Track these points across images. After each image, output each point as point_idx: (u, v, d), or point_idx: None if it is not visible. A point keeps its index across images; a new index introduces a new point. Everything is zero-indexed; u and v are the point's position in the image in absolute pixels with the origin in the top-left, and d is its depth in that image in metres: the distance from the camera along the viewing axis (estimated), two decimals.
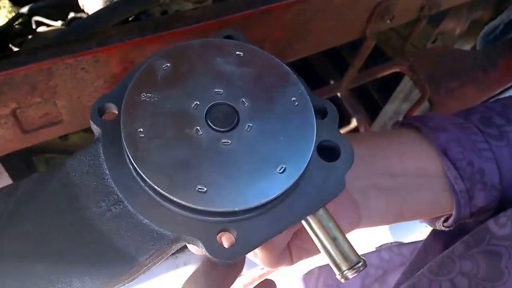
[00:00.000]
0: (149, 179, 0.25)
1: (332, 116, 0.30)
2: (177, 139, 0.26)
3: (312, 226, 0.30)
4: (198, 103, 0.28)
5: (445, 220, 0.39)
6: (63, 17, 0.64)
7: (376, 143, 0.38)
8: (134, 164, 0.25)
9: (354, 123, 0.90)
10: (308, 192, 0.28)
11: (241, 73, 0.29)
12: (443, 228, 0.40)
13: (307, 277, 0.68)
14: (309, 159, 0.27)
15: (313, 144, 0.28)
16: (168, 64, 0.29)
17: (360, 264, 0.29)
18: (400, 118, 0.91)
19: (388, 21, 0.66)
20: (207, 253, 0.26)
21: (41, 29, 0.65)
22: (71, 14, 0.62)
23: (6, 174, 0.51)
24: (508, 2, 0.92)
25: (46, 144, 0.92)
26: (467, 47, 1.13)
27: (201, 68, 0.29)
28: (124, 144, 0.26)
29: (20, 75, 0.41)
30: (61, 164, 0.28)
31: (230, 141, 0.27)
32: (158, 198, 0.26)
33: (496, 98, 0.92)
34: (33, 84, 0.42)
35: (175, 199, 0.25)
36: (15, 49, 0.65)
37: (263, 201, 0.26)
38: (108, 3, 0.55)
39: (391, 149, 0.37)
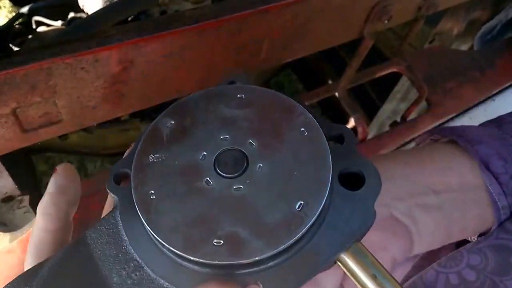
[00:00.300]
0: (164, 241, 0.25)
1: (349, 140, 0.28)
2: (188, 195, 0.26)
3: (347, 265, 0.26)
4: (206, 153, 0.27)
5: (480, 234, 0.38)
6: (63, 17, 0.64)
7: (415, 160, 0.36)
8: (149, 228, 0.25)
9: (352, 122, 0.91)
10: (336, 228, 0.26)
11: (245, 114, 0.29)
12: (475, 240, 0.39)
13: None
14: (328, 189, 0.25)
15: (331, 173, 0.26)
16: (172, 121, 0.29)
17: None
18: (398, 118, 0.91)
19: (386, 21, 0.67)
20: None
21: (41, 29, 0.65)
22: (71, 14, 0.62)
23: (6, 173, 0.51)
24: (505, 3, 0.93)
25: (46, 143, 0.93)
26: (465, 47, 1.13)
27: (205, 118, 0.29)
28: (137, 208, 0.26)
29: (20, 74, 0.41)
30: (83, 237, 0.28)
31: (242, 186, 0.26)
32: (177, 259, 0.26)
33: (493, 98, 0.93)
34: (33, 84, 0.42)
35: (192, 257, 0.24)
36: (15, 48, 0.65)
37: (285, 244, 0.24)
38: (107, 3, 0.55)
39: (432, 165, 0.35)
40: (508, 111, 0.95)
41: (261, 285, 0.25)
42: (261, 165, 0.27)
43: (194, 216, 0.25)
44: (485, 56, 0.94)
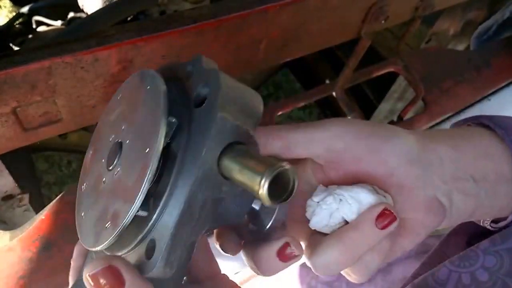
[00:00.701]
0: (89, 248, 0.28)
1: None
2: (96, 201, 0.29)
3: (229, 167, 0.26)
4: (103, 160, 0.30)
5: (495, 221, 0.39)
6: (63, 17, 0.65)
7: (462, 145, 0.36)
8: (84, 244, 0.29)
9: None
10: (197, 144, 0.26)
11: (120, 109, 0.31)
12: (490, 228, 0.40)
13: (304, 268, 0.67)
14: (163, 117, 0.26)
15: (163, 103, 0.26)
16: (91, 150, 0.33)
17: (278, 164, 0.24)
18: (395, 118, 0.92)
19: (383, 22, 0.67)
20: (143, 273, 0.25)
21: (41, 28, 0.65)
22: (71, 14, 0.63)
23: (6, 172, 0.52)
24: (501, 3, 0.93)
25: (45, 142, 0.93)
26: (461, 47, 1.14)
27: (103, 131, 0.33)
28: (78, 233, 0.30)
29: (20, 74, 0.41)
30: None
31: (120, 168, 0.28)
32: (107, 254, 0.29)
33: (489, 98, 0.94)
34: (33, 83, 0.43)
35: (100, 248, 0.27)
36: (16, 48, 0.66)
37: (140, 191, 0.25)
38: (107, 3, 0.56)
39: (476, 152, 0.36)
40: (504, 110, 0.96)
41: (151, 243, 0.26)
42: (127, 141, 0.29)
43: (98, 215, 0.28)
44: (481, 56, 0.95)
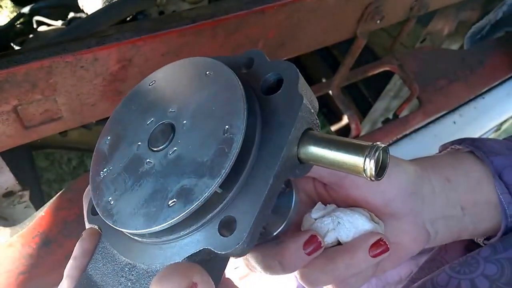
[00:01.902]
0: (130, 230, 0.27)
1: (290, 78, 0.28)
2: (137, 182, 0.28)
3: (311, 155, 0.27)
4: (140, 143, 0.30)
5: (487, 238, 0.40)
6: (63, 17, 0.65)
7: (454, 176, 0.38)
8: (117, 228, 0.28)
9: (345, 119, 0.92)
10: (272, 134, 0.26)
11: (158, 93, 0.31)
12: (481, 244, 0.41)
13: None
14: (243, 103, 0.26)
15: (240, 89, 0.27)
16: (108, 137, 0.32)
17: (376, 145, 0.25)
18: (390, 115, 0.93)
19: (378, 21, 0.68)
20: (217, 251, 0.25)
21: (42, 28, 0.66)
22: (71, 14, 0.63)
23: (7, 169, 0.52)
24: (494, 4, 0.94)
25: (46, 140, 0.93)
26: (455, 46, 1.15)
27: (130, 118, 0.32)
28: (103, 219, 0.28)
29: (21, 73, 0.42)
30: (85, 273, 0.31)
31: (176, 148, 0.28)
32: (154, 240, 0.27)
33: (483, 96, 0.95)
34: (34, 82, 0.43)
35: (157, 229, 0.26)
36: (17, 47, 0.66)
37: (225, 168, 0.24)
38: (106, 3, 0.56)
39: (467, 184, 0.37)
40: (497, 108, 0.98)
41: (232, 218, 0.25)
42: (184, 121, 0.28)
43: (147, 196, 0.27)
44: (475, 55, 0.96)
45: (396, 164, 0.35)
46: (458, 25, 1.04)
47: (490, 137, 1.11)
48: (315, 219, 0.35)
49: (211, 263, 0.26)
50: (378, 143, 0.26)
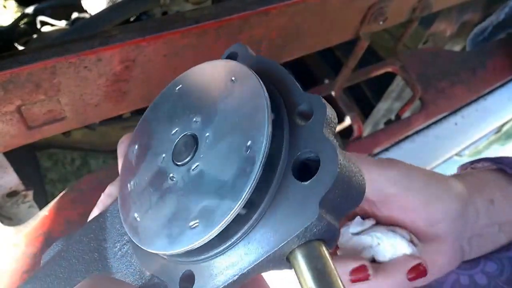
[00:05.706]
0: (155, 251, 0.26)
1: (318, 116, 0.25)
2: (161, 199, 0.27)
3: (294, 263, 0.24)
4: (164, 155, 0.29)
5: None
6: (67, 17, 0.65)
7: (496, 197, 0.38)
8: (143, 248, 0.27)
9: (347, 121, 0.92)
10: (277, 221, 0.24)
11: (184, 101, 0.30)
12: None
13: None
14: (267, 122, 0.24)
15: (267, 107, 0.24)
16: (136, 146, 0.31)
17: None
18: (393, 117, 0.93)
19: (381, 23, 0.68)
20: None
21: (46, 28, 0.66)
22: (75, 15, 0.63)
23: (11, 169, 0.52)
24: (496, 5, 0.94)
25: (49, 140, 0.93)
26: (457, 48, 1.15)
27: (156, 127, 0.31)
28: (130, 237, 0.28)
29: (25, 73, 0.42)
30: (106, 211, 0.33)
31: (199, 163, 0.26)
32: (172, 258, 0.28)
33: (485, 97, 0.95)
34: (38, 82, 0.43)
35: (178, 251, 0.25)
36: (20, 48, 0.66)
37: (246, 190, 0.23)
38: (110, 4, 0.56)
39: (507, 203, 0.37)
40: (499, 110, 0.98)
41: (193, 275, 0.25)
42: (207, 134, 0.27)
43: (170, 214, 0.26)
44: (477, 57, 0.96)
45: (445, 185, 0.34)
46: (461, 26, 1.04)
47: (490, 139, 1.11)
48: (352, 234, 0.35)
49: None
50: None
